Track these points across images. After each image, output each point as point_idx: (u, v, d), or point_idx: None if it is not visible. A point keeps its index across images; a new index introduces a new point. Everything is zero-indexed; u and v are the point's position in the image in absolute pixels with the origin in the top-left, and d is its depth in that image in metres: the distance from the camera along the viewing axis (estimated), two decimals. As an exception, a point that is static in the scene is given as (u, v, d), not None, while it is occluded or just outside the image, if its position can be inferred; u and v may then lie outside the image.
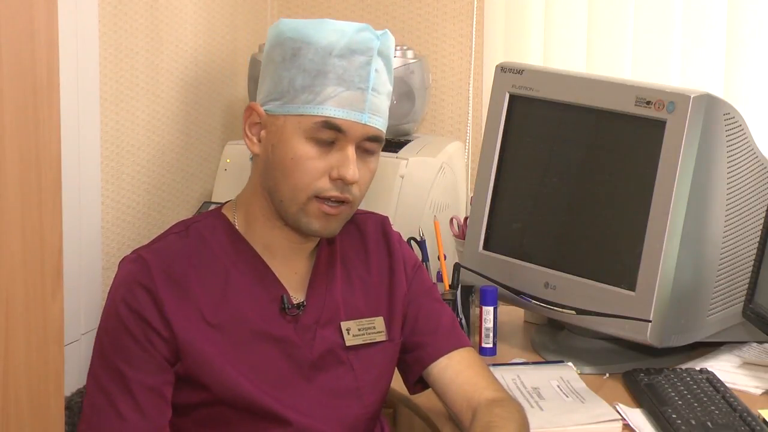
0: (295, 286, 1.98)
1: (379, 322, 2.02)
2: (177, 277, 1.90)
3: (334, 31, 1.90)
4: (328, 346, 1.97)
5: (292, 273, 1.99)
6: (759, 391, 2.28)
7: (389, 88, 1.96)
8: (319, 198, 1.90)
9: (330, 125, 1.88)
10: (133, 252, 1.95)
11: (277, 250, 1.97)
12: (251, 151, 1.95)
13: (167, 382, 1.89)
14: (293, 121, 1.90)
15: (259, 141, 1.94)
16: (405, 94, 2.90)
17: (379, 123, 1.93)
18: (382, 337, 2.02)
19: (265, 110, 1.93)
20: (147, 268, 1.90)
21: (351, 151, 1.90)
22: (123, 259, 1.95)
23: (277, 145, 1.91)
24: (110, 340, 1.90)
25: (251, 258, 1.96)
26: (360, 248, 2.06)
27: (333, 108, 1.88)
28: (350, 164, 1.89)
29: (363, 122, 1.90)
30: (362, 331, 2.00)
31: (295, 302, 1.96)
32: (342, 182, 1.89)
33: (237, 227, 1.97)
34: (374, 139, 1.93)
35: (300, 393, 1.94)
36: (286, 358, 1.94)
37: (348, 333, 1.99)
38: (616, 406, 2.16)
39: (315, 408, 1.94)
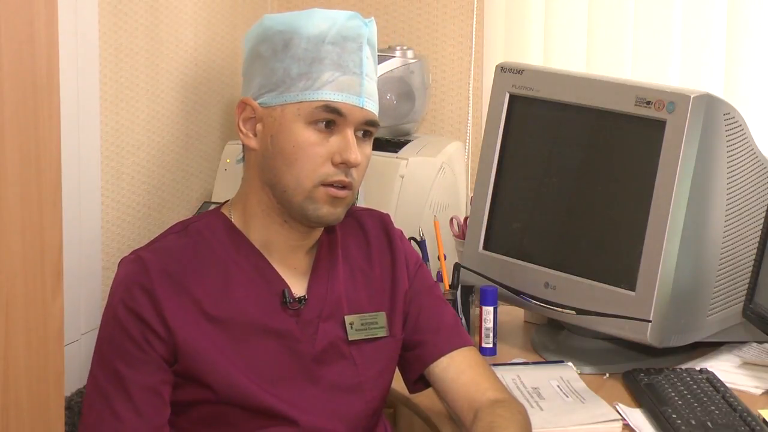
0: (295, 282, 1.98)
1: (381, 318, 2.02)
2: (176, 276, 1.91)
3: (324, 19, 1.92)
4: (331, 340, 1.97)
5: (292, 269, 1.98)
6: (759, 391, 2.28)
7: (376, 76, 1.97)
8: (324, 184, 1.90)
9: (330, 109, 1.89)
10: (132, 252, 1.95)
11: (276, 247, 1.97)
12: (247, 146, 1.95)
13: (165, 381, 1.89)
14: (292, 109, 1.90)
15: (255, 135, 1.94)
16: (405, 94, 2.90)
17: (374, 108, 1.95)
18: (383, 333, 2.02)
19: (259, 103, 1.93)
20: (145, 268, 1.90)
21: (351, 134, 1.91)
22: (122, 259, 1.95)
23: (277, 135, 1.91)
24: (108, 341, 1.90)
25: (251, 254, 1.96)
26: (361, 242, 2.06)
27: (331, 92, 1.89)
28: (352, 147, 1.90)
29: (361, 105, 1.91)
30: (364, 326, 2.00)
31: (296, 297, 1.97)
32: (345, 166, 1.90)
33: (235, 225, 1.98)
34: (372, 123, 1.94)
35: (301, 389, 1.94)
36: (288, 353, 1.94)
37: (351, 327, 1.99)
38: (616, 406, 2.16)
39: (316, 404, 1.94)
